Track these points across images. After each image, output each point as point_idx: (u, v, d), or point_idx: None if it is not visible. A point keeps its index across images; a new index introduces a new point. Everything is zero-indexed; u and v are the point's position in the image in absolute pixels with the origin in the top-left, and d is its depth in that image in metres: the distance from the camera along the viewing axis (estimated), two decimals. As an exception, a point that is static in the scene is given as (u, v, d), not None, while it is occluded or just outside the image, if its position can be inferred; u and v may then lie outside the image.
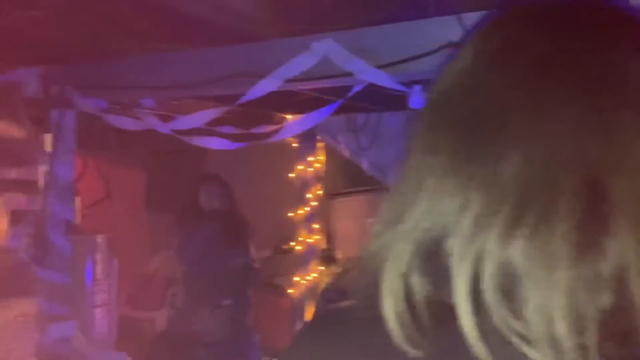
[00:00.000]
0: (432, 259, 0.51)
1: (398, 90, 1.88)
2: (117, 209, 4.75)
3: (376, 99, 3.47)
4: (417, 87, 1.93)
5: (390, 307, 0.51)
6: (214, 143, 2.29)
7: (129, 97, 2.43)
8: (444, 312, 0.47)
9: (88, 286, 4.10)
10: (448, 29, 1.73)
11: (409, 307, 0.50)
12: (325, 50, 1.80)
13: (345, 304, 0.63)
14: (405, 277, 0.52)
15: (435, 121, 0.54)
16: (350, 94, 2.12)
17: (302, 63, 1.82)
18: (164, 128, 2.28)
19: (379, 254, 0.55)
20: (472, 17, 1.69)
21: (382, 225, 0.56)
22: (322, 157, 4.41)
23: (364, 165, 3.93)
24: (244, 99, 1.97)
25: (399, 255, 0.52)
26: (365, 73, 1.77)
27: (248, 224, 3.55)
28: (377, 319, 0.52)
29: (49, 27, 1.94)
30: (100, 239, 4.08)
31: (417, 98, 1.89)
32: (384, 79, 1.79)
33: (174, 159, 5.93)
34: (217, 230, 3.24)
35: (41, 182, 2.62)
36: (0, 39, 2.08)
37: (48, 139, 2.62)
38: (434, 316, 0.49)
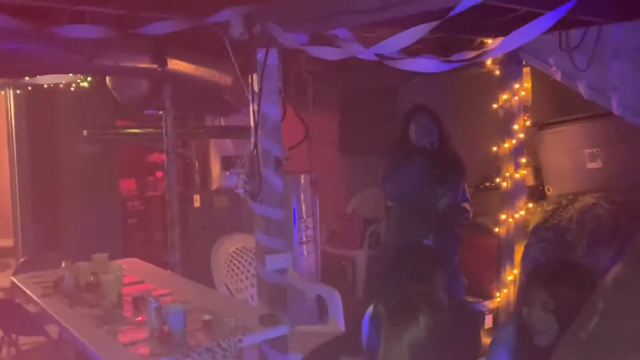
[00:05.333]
0: None
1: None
2: (316, 151, 4.86)
3: (599, 9, 3.00)
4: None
5: None
6: (421, 65, 2.12)
7: (331, 25, 2.36)
8: None
9: (294, 223, 4.31)
10: None
11: None
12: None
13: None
14: None
15: None
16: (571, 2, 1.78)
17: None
18: (368, 54, 2.17)
19: None
20: None
21: None
22: (528, 84, 4.01)
23: (580, 88, 3.46)
24: (456, 10, 1.76)
25: None
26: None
27: (460, 161, 3.35)
28: None
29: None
30: (303, 178, 4.22)
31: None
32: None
33: (364, 100, 5.91)
34: (425, 166, 3.10)
35: (251, 121, 2.69)
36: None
37: (255, 80, 2.67)
38: None
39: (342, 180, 6.26)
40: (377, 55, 2.12)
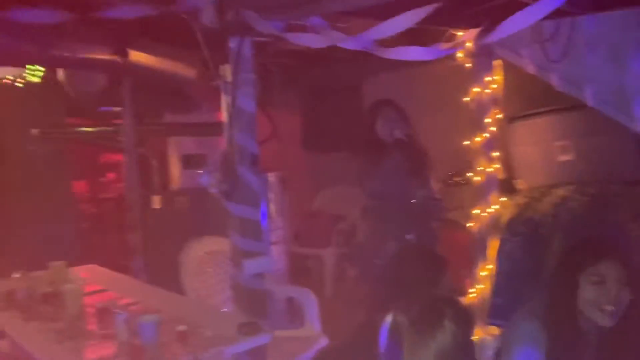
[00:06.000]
0: None
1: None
2: (282, 149, 4.70)
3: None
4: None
5: None
6: (411, 53, 2.00)
7: (309, 11, 2.21)
8: None
9: (264, 223, 4.13)
10: None
11: None
12: None
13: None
14: None
15: None
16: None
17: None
18: (352, 42, 2.04)
19: None
20: None
21: None
22: (499, 77, 3.95)
23: (554, 80, 3.42)
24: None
25: None
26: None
27: (427, 153, 3.27)
28: None
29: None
30: (272, 176, 4.06)
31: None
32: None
33: (328, 96, 5.79)
34: (399, 161, 3.01)
35: (224, 116, 2.52)
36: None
37: (227, 70, 2.50)
38: None
39: (307, 178, 6.11)
40: (363, 44, 1.98)
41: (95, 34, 3.09)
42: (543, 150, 3.91)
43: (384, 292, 1.81)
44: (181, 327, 2.30)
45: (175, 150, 5.05)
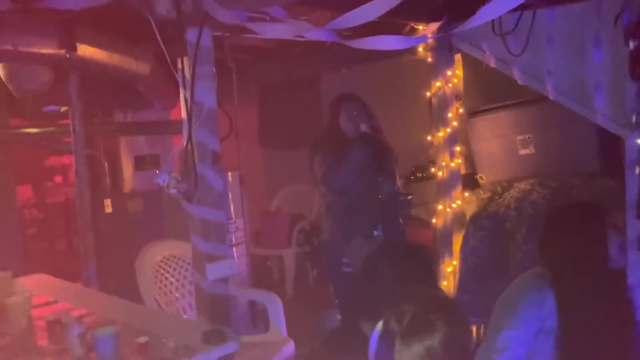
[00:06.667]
0: None
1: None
2: (239, 146, 4.56)
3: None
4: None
5: None
6: (382, 42, 1.91)
7: (270, 1, 2.10)
8: None
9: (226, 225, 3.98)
10: None
11: None
12: None
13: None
14: None
15: None
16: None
17: None
18: (319, 33, 1.93)
19: None
20: None
21: None
22: (460, 71, 3.94)
23: (515, 74, 3.42)
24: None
25: None
26: None
27: (392, 148, 3.20)
28: None
29: None
30: (231, 176, 3.91)
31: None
32: None
33: (285, 92, 5.67)
34: (365, 155, 2.92)
35: (183, 112, 2.37)
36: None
37: (185, 63, 2.35)
38: None
39: (265, 176, 5.98)
40: (329, 35, 1.89)
41: (40, 25, 2.86)
42: (504, 144, 3.91)
43: (366, 295, 1.71)
44: (142, 339, 2.14)
45: (127, 150, 4.83)
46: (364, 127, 2.94)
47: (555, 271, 2.00)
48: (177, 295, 3.17)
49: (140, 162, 4.86)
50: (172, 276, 3.16)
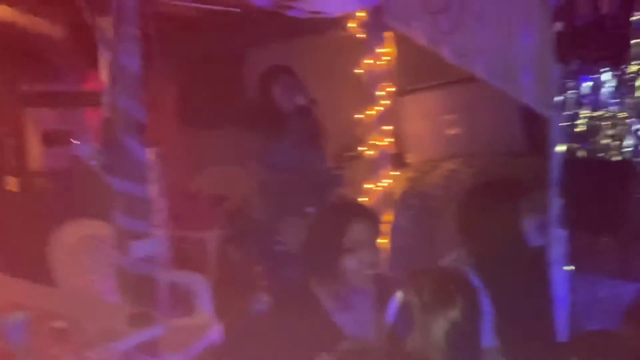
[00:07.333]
0: None
1: None
2: (159, 123, 4.32)
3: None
4: None
5: None
6: (327, 4, 1.80)
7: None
8: None
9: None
10: None
11: None
12: None
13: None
14: None
15: None
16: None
17: None
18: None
19: None
20: None
21: None
22: (391, 49, 3.90)
23: (445, 53, 3.42)
24: None
25: None
26: None
27: (322, 124, 3.12)
28: None
29: None
30: (150, 153, 3.68)
31: None
32: None
33: (209, 68, 5.44)
34: (300, 130, 2.82)
35: (105, 77, 2.17)
36: None
37: (107, 23, 2.15)
38: None
39: (186, 155, 5.73)
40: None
41: None
42: (432, 124, 3.94)
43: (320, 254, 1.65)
44: (58, 324, 1.95)
45: (34, 125, 4.44)
46: (299, 100, 2.83)
47: (474, 249, 2.01)
48: (95, 277, 2.94)
49: (49, 138, 4.48)
50: (90, 257, 2.93)
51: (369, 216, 1.72)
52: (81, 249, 2.96)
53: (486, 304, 1.77)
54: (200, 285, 3.07)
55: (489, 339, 1.71)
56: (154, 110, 3.91)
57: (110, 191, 2.25)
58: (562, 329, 2.27)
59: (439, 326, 1.20)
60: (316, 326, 1.57)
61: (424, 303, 1.24)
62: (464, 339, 1.21)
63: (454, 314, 1.22)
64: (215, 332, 2.87)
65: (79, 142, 2.11)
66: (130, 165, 2.19)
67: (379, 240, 1.72)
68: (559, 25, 3.02)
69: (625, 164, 2.85)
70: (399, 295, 1.29)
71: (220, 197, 5.21)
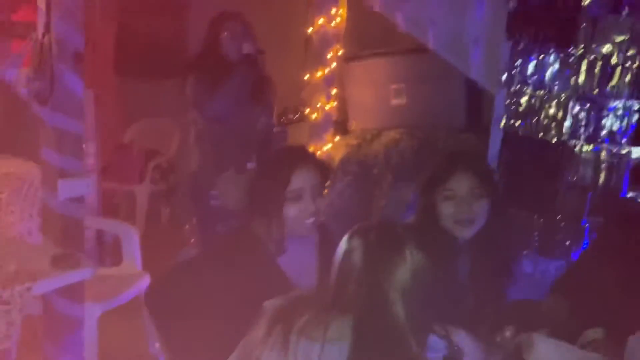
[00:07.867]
0: None
1: None
2: (96, 64, 4.07)
3: None
4: None
5: None
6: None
7: None
8: None
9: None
10: None
11: None
12: None
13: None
14: None
15: None
16: None
17: None
18: None
19: None
20: None
21: None
22: (343, 11, 3.82)
23: (398, 19, 3.38)
24: None
25: None
26: None
27: (271, 79, 3.01)
28: None
29: None
30: (86, 94, 3.46)
31: None
32: None
33: (147, 15, 5.15)
34: (244, 79, 2.70)
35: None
36: None
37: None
38: None
39: (119, 106, 5.45)
40: None
41: None
42: (377, 92, 3.90)
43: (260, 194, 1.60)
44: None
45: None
46: (247, 48, 2.71)
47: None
48: (12, 219, 2.74)
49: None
50: (9, 197, 2.72)
51: (316, 162, 1.67)
52: (2, 187, 2.75)
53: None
54: (129, 235, 2.93)
55: None
56: (91, 48, 3.68)
57: (39, 124, 2.09)
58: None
59: (385, 274, 1.16)
60: (260, 270, 1.51)
61: (370, 249, 1.19)
62: (410, 287, 1.17)
63: (402, 267, 1.17)
64: (144, 283, 2.76)
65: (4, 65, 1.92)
66: (63, 96, 2.02)
67: (324, 189, 1.68)
68: (513, 3, 3.05)
69: (562, 145, 2.94)
70: (343, 242, 1.23)
71: (152, 151, 5.01)
